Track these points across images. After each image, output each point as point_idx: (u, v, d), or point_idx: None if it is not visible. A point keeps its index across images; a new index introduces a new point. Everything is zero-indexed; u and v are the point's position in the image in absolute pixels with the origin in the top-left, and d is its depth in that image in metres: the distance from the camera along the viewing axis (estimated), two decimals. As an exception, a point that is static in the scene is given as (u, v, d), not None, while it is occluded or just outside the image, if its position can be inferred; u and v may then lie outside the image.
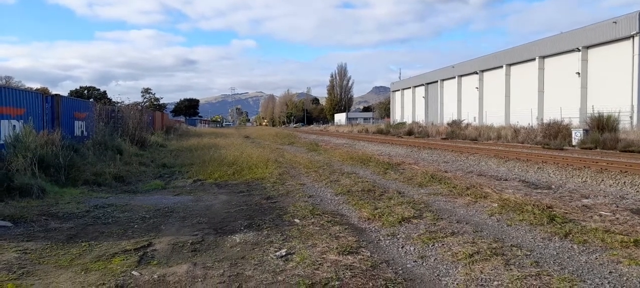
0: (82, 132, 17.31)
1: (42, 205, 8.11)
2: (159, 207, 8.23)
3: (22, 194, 8.52)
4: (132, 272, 4.72)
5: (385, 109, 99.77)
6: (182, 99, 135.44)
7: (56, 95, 15.62)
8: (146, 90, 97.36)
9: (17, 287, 4.37)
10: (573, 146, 21.91)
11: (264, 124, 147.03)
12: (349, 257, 5.12)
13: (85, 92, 79.74)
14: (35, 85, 74.05)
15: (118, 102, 27.37)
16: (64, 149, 11.21)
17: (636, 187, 9.94)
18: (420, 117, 62.67)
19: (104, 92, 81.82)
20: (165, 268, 4.88)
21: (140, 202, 8.75)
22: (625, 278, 4.46)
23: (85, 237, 6.17)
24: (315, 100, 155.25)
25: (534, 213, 6.91)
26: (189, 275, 4.63)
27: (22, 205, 7.84)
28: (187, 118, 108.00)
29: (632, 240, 5.50)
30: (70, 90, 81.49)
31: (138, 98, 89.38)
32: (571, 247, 5.48)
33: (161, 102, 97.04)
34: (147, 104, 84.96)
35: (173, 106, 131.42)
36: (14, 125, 11.77)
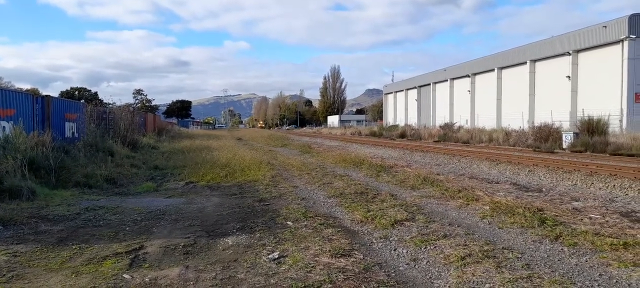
0: (73, 133, 17.16)
1: (32, 207, 8.03)
2: (151, 210, 8.19)
3: (12, 196, 8.43)
4: (124, 275, 4.68)
5: (378, 112, 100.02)
6: (174, 100, 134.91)
7: (46, 96, 15.47)
8: (138, 92, 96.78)
9: (7, 290, 4.32)
10: (563, 149, 22.12)
11: (259, 125, 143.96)
12: (342, 260, 5.13)
13: (76, 93, 79.09)
14: (25, 86, 73.39)
15: (109, 104, 27.23)
16: (54, 151, 11.12)
17: (625, 190, 10.05)
18: (413, 120, 62.92)
19: (95, 93, 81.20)
20: (157, 271, 4.85)
21: (132, 205, 8.69)
22: (614, 280, 4.51)
23: (76, 239, 6.12)
24: (308, 103, 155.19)
25: (525, 216, 6.96)
26: (181, 278, 4.61)
27: (12, 208, 7.75)
28: (180, 120, 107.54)
29: (621, 242, 5.56)
30: (61, 91, 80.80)
31: (130, 99, 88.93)
32: (561, 249, 5.53)
33: (153, 103, 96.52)
34: (138, 105, 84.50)
35: (165, 108, 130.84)
36: (4, 127, 11.65)
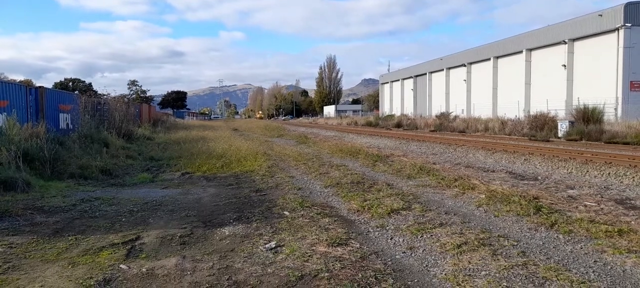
0: (68, 124, 17.06)
1: (28, 199, 7.99)
2: (147, 200, 8.17)
3: (7, 188, 8.38)
4: (120, 266, 4.68)
5: (374, 102, 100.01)
6: (170, 91, 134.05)
7: (40, 87, 15.34)
8: (133, 83, 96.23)
9: (3, 281, 4.31)
10: (559, 138, 22.20)
11: (257, 116, 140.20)
12: (339, 249, 5.14)
13: (70, 84, 78.55)
14: (18, 77, 72.75)
15: (104, 95, 27.03)
16: (48, 142, 11.04)
17: (620, 177, 10.11)
18: (409, 110, 62.99)
19: (90, 84, 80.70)
20: (153, 261, 4.85)
21: (128, 195, 8.67)
22: (609, 267, 4.55)
23: (72, 230, 6.10)
24: (304, 93, 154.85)
25: (521, 204, 6.99)
26: (178, 268, 4.60)
27: (7, 199, 7.71)
28: (175, 110, 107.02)
29: (616, 229, 5.60)
30: (55, 82, 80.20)
31: (124, 90, 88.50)
32: (557, 237, 5.56)
33: (148, 94, 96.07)
34: (133, 96, 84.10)
35: (160, 99, 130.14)
36: (-3, 118, 11.55)
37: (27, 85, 14.89)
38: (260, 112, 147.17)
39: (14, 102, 12.69)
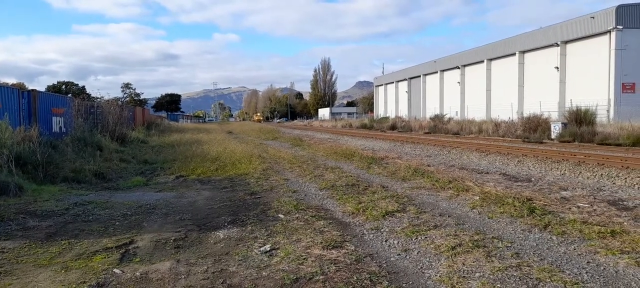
0: (61, 128, 16.94)
1: (20, 203, 7.92)
2: (141, 204, 8.13)
3: (-1, 192, 8.31)
4: (114, 270, 4.65)
5: (368, 104, 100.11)
6: (164, 94, 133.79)
7: (33, 90, 15.23)
8: (126, 85, 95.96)
9: (-6, 287, 4.27)
10: (552, 139, 22.34)
11: (256, 118, 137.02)
12: (334, 252, 5.14)
13: (63, 87, 78.15)
14: (11, 80, 72.24)
15: (97, 98, 26.91)
16: (41, 146, 10.97)
17: (613, 179, 10.19)
18: (404, 112, 63.12)
19: (83, 87, 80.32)
20: (147, 265, 4.83)
21: (122, 199, 8.62)
22: (602, 268, 4.58)
23: (65, 235, 6.06)
24: (299, 95, 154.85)
25: (515, 206, 7.03)
26: (172, 272, 4.58)
27: (-1, 204, 7.64)
28: (169, 113, 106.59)
29: (608, 230, 5.64)
30: (48, 85, 79.76)
31: (118, 93, 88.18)
32: (550, 238, 5.60)
33: (142, 97, 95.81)
34: (127, 99, 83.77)
35: (154, 101, 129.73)
36: (-11, 122, 11.45)
37: (19, 89, 14.78)
38: (257, 114, 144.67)
39: (6, 105, 12.59)
